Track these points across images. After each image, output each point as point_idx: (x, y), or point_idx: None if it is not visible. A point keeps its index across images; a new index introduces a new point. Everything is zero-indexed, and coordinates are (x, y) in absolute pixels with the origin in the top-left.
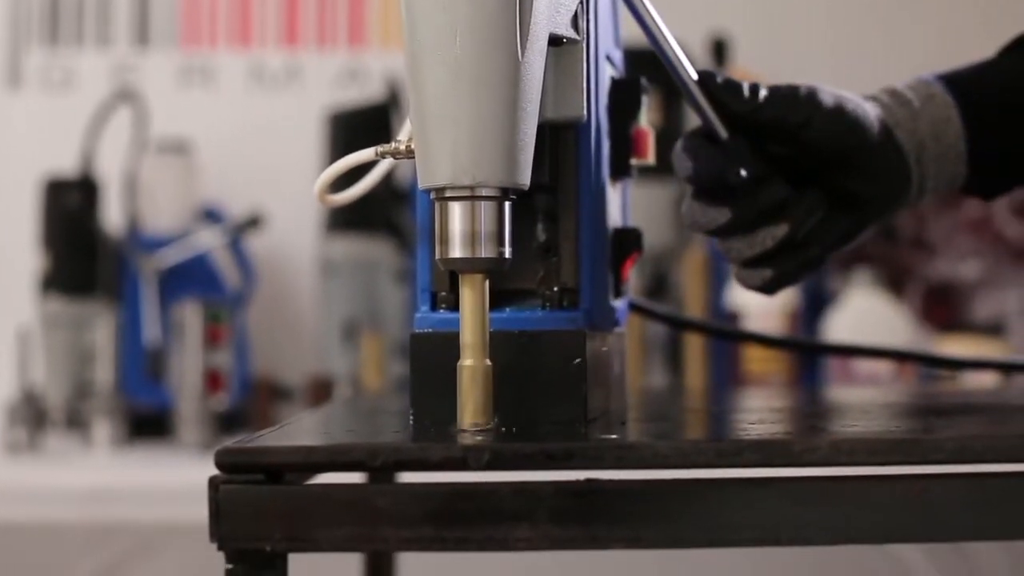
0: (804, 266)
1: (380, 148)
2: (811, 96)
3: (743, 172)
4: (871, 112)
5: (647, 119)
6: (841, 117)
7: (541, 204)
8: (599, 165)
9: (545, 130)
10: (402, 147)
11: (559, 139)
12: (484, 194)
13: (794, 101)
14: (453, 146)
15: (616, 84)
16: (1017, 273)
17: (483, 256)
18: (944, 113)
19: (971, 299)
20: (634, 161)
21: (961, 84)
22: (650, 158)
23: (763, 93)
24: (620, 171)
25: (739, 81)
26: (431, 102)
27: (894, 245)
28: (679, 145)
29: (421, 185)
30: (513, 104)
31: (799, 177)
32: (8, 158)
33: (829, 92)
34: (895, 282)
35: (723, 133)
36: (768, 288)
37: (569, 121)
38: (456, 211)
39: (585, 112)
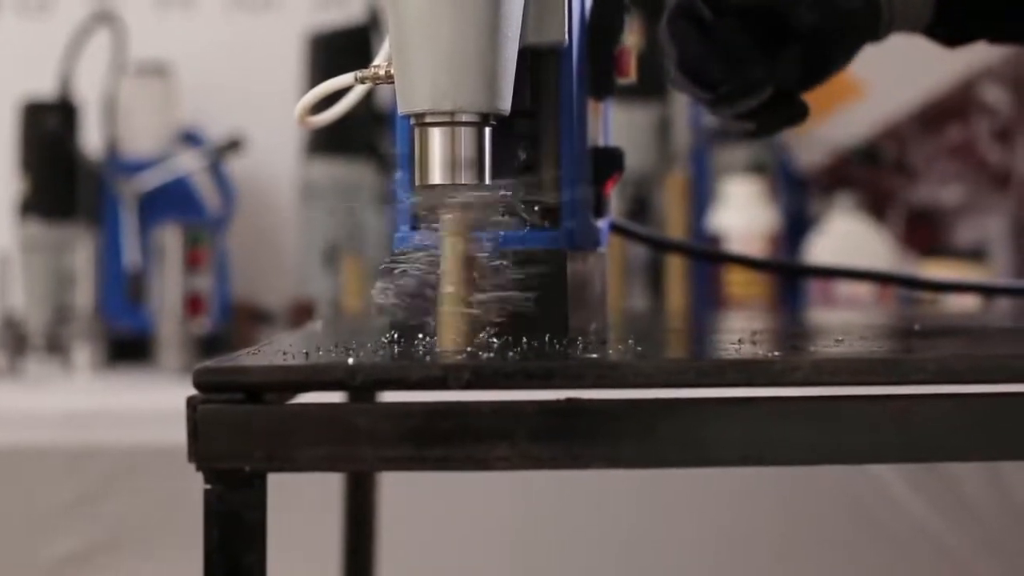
0: (786, 122)
1: (360, 73)
2: None
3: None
4: None
5: (628, 42)
6: None
7: (522, 128)
8: (581, 88)
9: (526, 55)
10: (381, 72)
11: (540, 64)
12: (464, 120)
13: None
14: (433, 71)
15: (598, 2)
16: (999, 198)
17: (463, 183)
18: None
19: (953, 223)
20: (617, 80)
21: None
22: (632, 75)
23: None
24: (603, 90)
25: None
26: (410, 26)
27: (876, 169)
28: (665, 28)
29: (401, 110)
30: (493, 28)
31: (775, 35)
32: None
33: None
34: (877, 206)
35: (707, 15)
36: (752, 136)
37: (550, 46)
38: (436, 137)
39: (566, 37)
